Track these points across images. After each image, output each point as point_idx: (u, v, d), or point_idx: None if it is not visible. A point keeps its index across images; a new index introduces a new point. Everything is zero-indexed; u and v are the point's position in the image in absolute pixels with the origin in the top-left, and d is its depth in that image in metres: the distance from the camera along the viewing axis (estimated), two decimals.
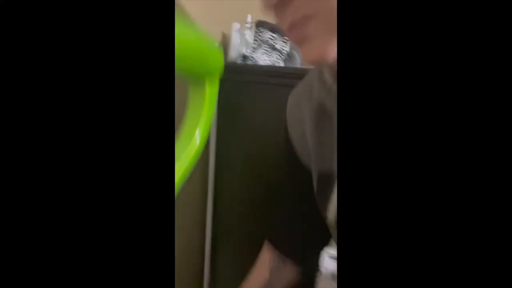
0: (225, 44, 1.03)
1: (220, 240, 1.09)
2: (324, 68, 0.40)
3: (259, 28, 1.02)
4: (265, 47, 1.01)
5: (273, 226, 0.57)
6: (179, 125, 0.29)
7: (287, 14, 0.29)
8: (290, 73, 0.93)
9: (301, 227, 0.52)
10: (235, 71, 0.99)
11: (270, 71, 0.95)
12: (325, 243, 0.53)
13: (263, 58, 1.01)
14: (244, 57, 1.01)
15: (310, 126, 0.44)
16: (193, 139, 0.29)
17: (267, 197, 0.81)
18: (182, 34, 0.24)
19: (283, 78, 0.88)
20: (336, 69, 0.31)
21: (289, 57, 1.05)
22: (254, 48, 1.01)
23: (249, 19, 1.00)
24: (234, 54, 1.01)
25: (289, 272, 0.53)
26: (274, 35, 1.02)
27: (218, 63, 0.30)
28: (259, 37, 1.01)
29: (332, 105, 0.40)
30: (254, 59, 1.01)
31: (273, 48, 1.02)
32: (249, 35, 1.00)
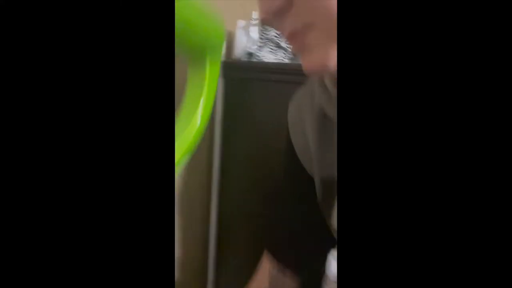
0: (230, 42, 1.02)
1: (225, 239, 1.08)
2: (325, 75, 0.39)
3: (264, 26, 1.00)
4: (270, 45, 1.00)
5: (272, 236, 0.55)
6: (179, 105, 0.27)
7: (287, 22, 0.29)
8: (295, 70, 0.91)
9: (301, 237, 0.50)
10: (241, 69, 0.98)
11: (275, 68, 0.94)
12: (327, 251, 0.51)
13: (269, 56, 1.00)
14: (250, 54, 0.99)
15: (312, 132, 0.43)
16: (193, 120, 0.28)
17: (269, 202, 0.79)
18: (181, 6, 0.23)
19: (289, 75, 0.86)
20: (336, 75, 0.30)
21: (294, 55, 1.04)
22: (259, 46, 1.00)
23: (254, 16, 0.99)
24: (239, 51, 0.99)
25: (289, 282, 0.51)
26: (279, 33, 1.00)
27: (219, 39, 0.28)
28: (264, 35, 0.99)
29: (333, 111, 0.39)
30: (260, 57, 0.99)
31: (279, 46, 1.00)
32: (254, 33, 0.99)
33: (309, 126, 0.44)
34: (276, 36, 1.00)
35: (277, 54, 1.00)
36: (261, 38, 1.00)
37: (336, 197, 0.41)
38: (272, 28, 1.09)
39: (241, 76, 0.96)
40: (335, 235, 0.43)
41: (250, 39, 0.99)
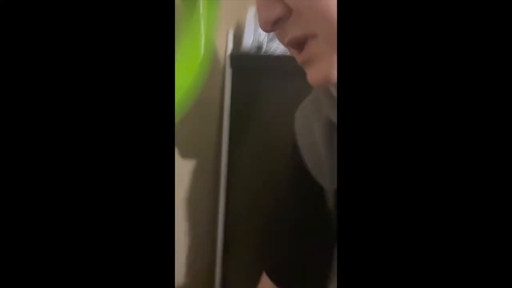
0: (239, 33, 0.98)
1: (232, 243, 1.05)
2: (330, 85, 0.38)
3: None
4: None
5: (272, 258, 0.54)
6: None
7: (286, 31, 0.29)
8: None
9: (304, 260, 0.49)
10: (250, 60, 0.95)
11: (285, 59, 0.90)
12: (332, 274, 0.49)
13: (280, 48, 0.96)
14: (259, 45, 0.95)
15: (322, 143, 0.42)
16: (194, 49, 0.24)
17: (272, 215, 0.75)
18: None
19: (299, 66, 0.82)
20: None
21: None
22: (269, 38, 0.96)
23: None
24: (248, 42, 0.96)
25: None
26: None
27: None
28: None
29: None
30: (270, 48, 0.96)
31: None
32: None
33: (319, 136, 0.43)
34: None
35: None
36: None
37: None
38: None
39: (250, 67, 0.93)
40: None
41: (260, 29, 0.95)
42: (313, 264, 0.49)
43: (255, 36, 0.96)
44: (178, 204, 0.97)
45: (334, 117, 0.39)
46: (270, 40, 0.96)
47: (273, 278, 0.50)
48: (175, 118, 0.24)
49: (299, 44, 0.29)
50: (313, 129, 0.44)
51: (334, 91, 0.39)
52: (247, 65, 0.96)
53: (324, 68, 0.28)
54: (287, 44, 0.30)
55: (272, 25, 0.29)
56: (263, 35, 0.96)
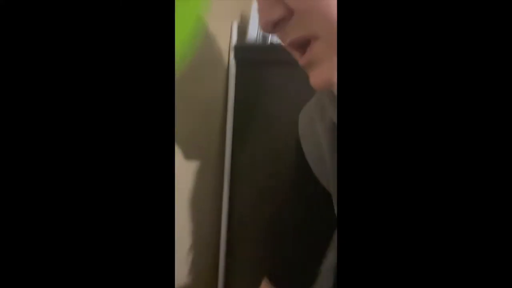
0: (244, 25, 0.96)
1: (236, 243, 1.02)
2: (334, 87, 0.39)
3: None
4: None
5: (274, 263, 0.53)
6: None
7: (288, 32, 0.29)
8: None
9: (305, 263, 0.48)
10: (254, 51, 0.93)
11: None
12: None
13: None
14: (264, 36, 0.93)
15: (326, 146, 0.42)
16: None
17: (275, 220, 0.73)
18: None
19: None
20: None
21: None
22: None
23: None
24: (253, 33, 0.93)
25: None
26: None
27: None
28: None
29: None
30: (275, 40, 0.92)
31: None
32: None
33: (323, 139, 0.42)
34: None
35: None
36: None
37: None
38: None
39: (254, 59, 0.90)
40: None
41: None
42: (314, 267, 0.48)
43: (260, 27, 0.93)
44: (181, 205, 0.95)
45: (336, 119, 0.39)
46: None
47: (273, 281, 0.49)
48: (175, 72, 0.24)
49: (301, 46, 0.29)
50: (317, 131, 0.43)
51: (336, 91, 0.37)
52: (251, 57, 0.93)
53: (326, 71, 0.28)
54: (288, 46, 0.30)
55: (273, 26, 0.29)
56: None
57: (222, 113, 0.99)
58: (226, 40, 0.95)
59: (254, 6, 0.94)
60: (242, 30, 0.97)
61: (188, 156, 0.93)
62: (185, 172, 0.94)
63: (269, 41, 0.93)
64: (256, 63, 0.92)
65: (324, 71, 0.28)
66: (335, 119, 0.39)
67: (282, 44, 0.31)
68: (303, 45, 0.28)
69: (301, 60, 0.30)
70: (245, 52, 0.93)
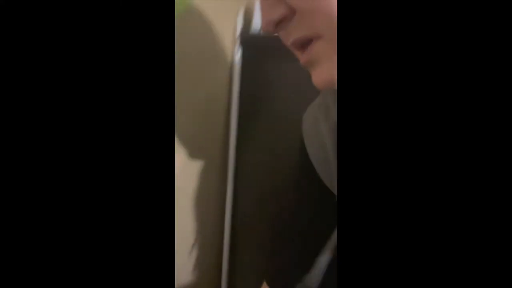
0: (248, 16, 0.93)
1: (239, 241, 1.00)
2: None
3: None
4: None
5: (274, 268, 0.53)
6: None
7: (290, 32, 0.28)
8: None
9: (307, 265, 0.47)
10: (259, 43, 0.91)
11: None
12: None
13: None
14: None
15: (331, 147, 0.42)
16: None
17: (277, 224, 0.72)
18: None
19: None
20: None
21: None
22: None
23: None
24: (258, 23, 0.91)
25: None
26: None
27: None
28: None
29: None
30: None
31: None
32: None
33: (327, 139, 0.42)
34: None
35: None
36: None
37: None
38: None
39: (259, 48, 0.88)
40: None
41: None
42: (316, 268, 0.46)
43: (261, 28, 0.91)
44: (185, 205, 0.94)
45: None
46: None
47: (272, 286, 0.49)
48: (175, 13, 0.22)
49: (303, 45, 0.28)
50: (321, 131, 0.43)
51: None
52: (258, 45, 0.91)
53: (328, 69, 0.27)
54: (291, 46, 0.29)
55: (275, 26, 0.28)
56: None
57: (225, 112, 0.97)
58: (231, 29, 0.93)
59: None
60: (247, 19, 0.94)
61: (191, 155, 0.92)
62: (189, 171, 0.93)
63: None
64: (262, 53, 0.89)
65: (326, 70, 0.28)
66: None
67: (285, 44, 0.30)
68: (306, 44, 0.28)
69: (302, 58, 0.29)
70: (251, 41, 0.91)
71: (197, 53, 0.86)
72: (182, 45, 0.77)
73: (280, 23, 0.28)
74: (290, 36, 0.29)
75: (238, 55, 0.92)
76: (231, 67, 0.94)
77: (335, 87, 0.36)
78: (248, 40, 0.92)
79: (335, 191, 0.43)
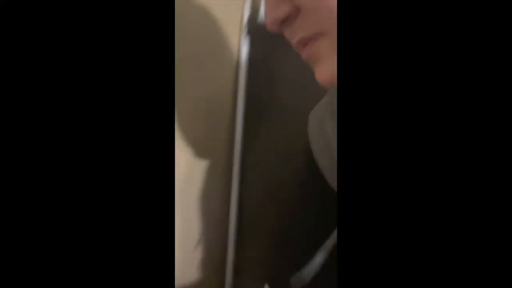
0: (256, 3, 0.91)
1: (244, 240, 0.98)
2: None
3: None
4: None
5: (276, 270, 0.54)
6: None
7: (295, 30, 0.28)
8: None
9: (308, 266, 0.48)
10: (267, 32, 0.89)
11: None
12: None
13: None
14: None
15: (336, 145, 0.40)
16: None
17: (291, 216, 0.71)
18: None
19: None
20: None
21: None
22: None
23: None
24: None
25: None
26: None
27: None
28: None
29: None
30: None
31: None
32: None
33: (333, 139, 0.42)
34: None
35: None
36: None
37: None
38: None
39: (267, 38, 0.86)
40: None
41: None
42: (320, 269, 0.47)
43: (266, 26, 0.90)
44: (189, 205, 0.94)
45: None
46: None
47: (272, 286, 0.49)
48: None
49: (308, 44, 0.28)
50: (327, 131, 0.43)
51: None
52: (263, 35, 0.88)
53: (332, 66, 0.27)
54: (296, 44, 0.29)
55: (279, 25, 0.28)
56: None
57: (231, 112, 0.97)
58: (237, 19, 0.92)
59: None
60: (255, 7, 0.91)
61: (197, 155, 0.92)
62: (194, 171, 0.93)
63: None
64: (269, 44, 0.87)
65: (330, 67, 0.28)
66: None
67: (290, 42, 0.30)
68: (311, 43, 0.28)
69: (303, 53, 0.29)
70: (259, 30, 0.88)
71: (201, 45, 0.85)
72: (183, 37, 0.76)
73: (284, 21, 0.28)
74: (295, 34, 0.29)
75: (245, 46, 0.89)
76: (238, 60, 0.93)
77: None
78: (255, 29, 0.90)
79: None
